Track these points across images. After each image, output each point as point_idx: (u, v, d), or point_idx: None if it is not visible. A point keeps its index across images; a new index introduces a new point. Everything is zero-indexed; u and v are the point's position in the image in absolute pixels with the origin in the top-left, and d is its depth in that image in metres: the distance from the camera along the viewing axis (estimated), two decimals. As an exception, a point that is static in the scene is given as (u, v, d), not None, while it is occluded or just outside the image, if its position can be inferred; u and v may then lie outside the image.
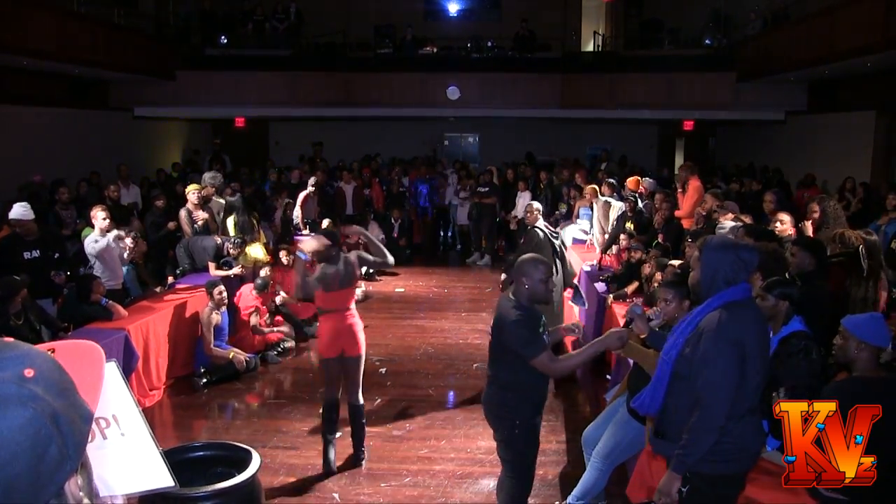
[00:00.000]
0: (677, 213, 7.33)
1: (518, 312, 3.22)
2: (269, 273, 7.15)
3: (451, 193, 12.95)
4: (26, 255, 5.51)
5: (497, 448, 3.45)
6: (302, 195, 10.10)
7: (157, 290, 6.67)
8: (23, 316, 4.95)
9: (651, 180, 8.75)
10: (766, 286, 3.31)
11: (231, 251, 7.32)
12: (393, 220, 11.68)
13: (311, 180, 10.46)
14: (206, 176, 8.27)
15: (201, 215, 7.47)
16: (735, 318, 2.48)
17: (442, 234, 13.60)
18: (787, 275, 4.09)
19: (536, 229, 6.45)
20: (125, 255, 6.37)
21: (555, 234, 6.60)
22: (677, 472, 2.57)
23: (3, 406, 0.82)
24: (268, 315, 7.12)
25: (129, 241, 6.45)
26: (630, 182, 8.79)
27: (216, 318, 6.25)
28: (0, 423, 0.81)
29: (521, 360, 3.20)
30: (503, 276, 6.78)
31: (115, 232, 6.13)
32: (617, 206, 8.34)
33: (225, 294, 6.39)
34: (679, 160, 16.21)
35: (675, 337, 2.67)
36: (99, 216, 6.10)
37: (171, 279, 7.13)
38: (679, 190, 7.90)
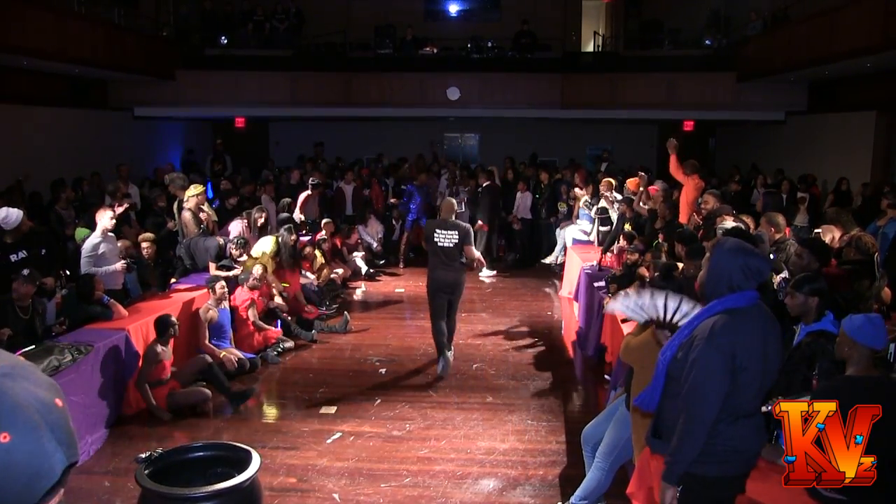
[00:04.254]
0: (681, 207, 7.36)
1: (465, 224, 6.34)
2: (261, 271, 7.10)
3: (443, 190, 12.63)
4: (12, 257, 5.47)
5: (455, 302, 6.44)
6: (303, 196, 10.08)
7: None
8: (30, 312, 4.96)
9: (663, 184, 8.72)
10: (794, 284, 3.40)
11: (233, 252, 7.31)
12: (394, 222, 11.64)
13: (312, 180, 10.44)
14: (174, 176, 8.25)
15: (206, 216, 7.48)
16: (731, 326, 2.42)
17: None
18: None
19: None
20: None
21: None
22: (667, 482, 2.54)
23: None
24: (265, 308, 7.12)
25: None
26: (630, 183, 8.78)
27: (213, 313, 6.25)
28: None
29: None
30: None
31: (121, 263, 6.16)
32: (616, 206, 8.34)
33: (226, 289, 6.39)
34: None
35: (672, 338, 2.66)
36: (106, 216, 6.09)
37: (173, 280, 7.14)
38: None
